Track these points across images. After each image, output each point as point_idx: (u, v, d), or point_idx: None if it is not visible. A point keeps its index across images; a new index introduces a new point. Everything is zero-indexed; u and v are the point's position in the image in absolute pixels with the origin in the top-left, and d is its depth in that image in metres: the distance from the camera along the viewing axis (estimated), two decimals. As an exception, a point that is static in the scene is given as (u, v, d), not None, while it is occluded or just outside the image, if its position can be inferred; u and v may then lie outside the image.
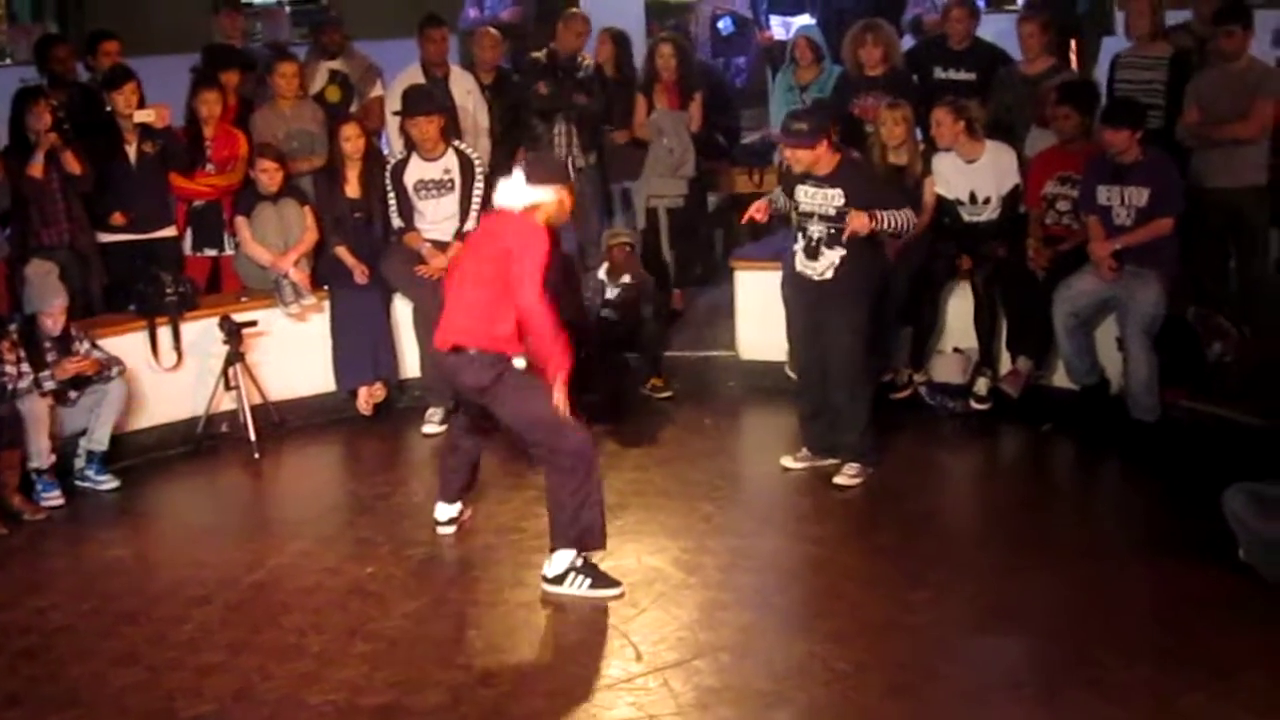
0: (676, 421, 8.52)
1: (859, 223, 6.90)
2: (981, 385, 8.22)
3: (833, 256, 7.05)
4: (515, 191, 6.22)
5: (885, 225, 6.96)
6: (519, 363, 6.14)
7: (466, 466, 6.83)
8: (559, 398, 6.10)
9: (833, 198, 7.01)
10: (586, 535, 6.14)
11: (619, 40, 9.99)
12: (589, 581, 6.11)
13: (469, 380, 6.23)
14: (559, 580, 6.12)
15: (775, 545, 6.82)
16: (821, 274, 7.11)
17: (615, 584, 6.14)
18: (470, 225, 8.56)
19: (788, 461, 7.57)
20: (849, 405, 7.25)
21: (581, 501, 6.09)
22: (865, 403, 7.31)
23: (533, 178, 6.22)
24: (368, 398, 8.66)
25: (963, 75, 9.11)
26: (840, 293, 7.08)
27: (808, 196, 7.11)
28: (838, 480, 7.27)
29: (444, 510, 6.87)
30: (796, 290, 7.33)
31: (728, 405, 8.82)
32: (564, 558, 6.12)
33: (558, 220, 6.41)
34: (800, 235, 7.21)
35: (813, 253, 7.12)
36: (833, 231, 7.03)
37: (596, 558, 6.21)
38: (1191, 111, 8.26)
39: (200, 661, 5.66)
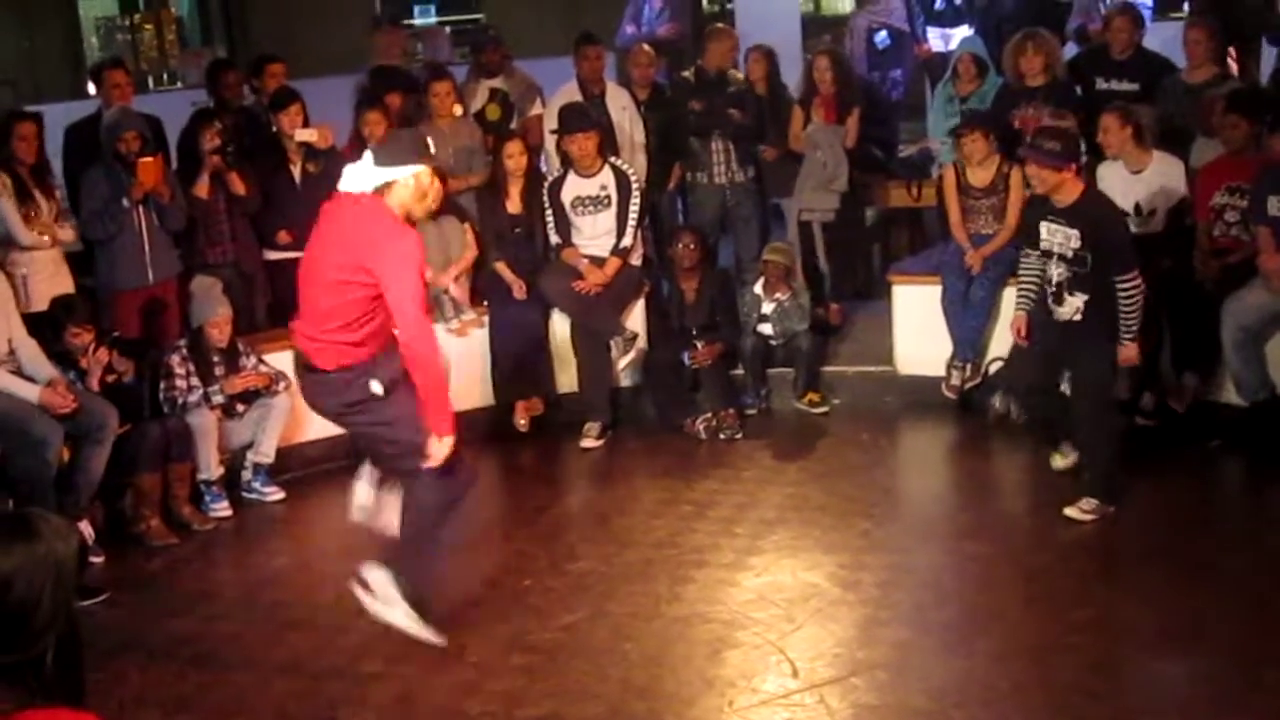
0: (833, 436, 8.48)
1: (1129, 358, 6.84)
2: (1148, 400, 8.04)
3: (1077, 301, 6.77)
4: (363, 174, 5.40)
5: (1134, 332, 6.76)
6: (375, 388, 5.45)
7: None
8: (436, 456, 5.41)
9: (1071, 239, 6.72)
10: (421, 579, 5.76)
11: (770, 56, 9.97)
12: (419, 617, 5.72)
13: (325, 402, 5.63)
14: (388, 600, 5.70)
15: (933, 562, 6.75)
16: (1069, 317, 6.84)
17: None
18: (627, 240, 8.63)
19: (1059, 462, 7.39)
20: (1092, 441, 7.00)
21: (431, 549, 5.77)
22: (1111, 440, 6.98)
23: (381, 158, 5.39)
24: (524, 412, 8.73)
25: (1125, 85, 8.92)
26: (1088, 333, 6.79)
27: (1049, 234, 6.83)
28: (1069, 512, 6.89)
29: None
30: (1042, 321, 7.07)
31: (885, 420, 8.73)
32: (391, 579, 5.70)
33: (417, 210, 5.47)
34: (1042, 275, 6.99)
35: (1057, 297, 6.86)
36: (1073, 275, 6.76)
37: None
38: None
39: (361, 670, 5.77)
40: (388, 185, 5.33)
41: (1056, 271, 6.83)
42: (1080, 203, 6.74)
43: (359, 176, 5.38)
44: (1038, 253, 6.96)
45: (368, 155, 5.42)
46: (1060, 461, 7.40)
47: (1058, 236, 6.79)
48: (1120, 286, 6.66)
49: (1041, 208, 6.92)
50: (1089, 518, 6.88)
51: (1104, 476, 6.95)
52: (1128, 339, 6.75)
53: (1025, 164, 7.07)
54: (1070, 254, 6.73)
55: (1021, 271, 7.21)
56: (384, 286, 5.25)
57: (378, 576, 5.68)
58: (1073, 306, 6.81)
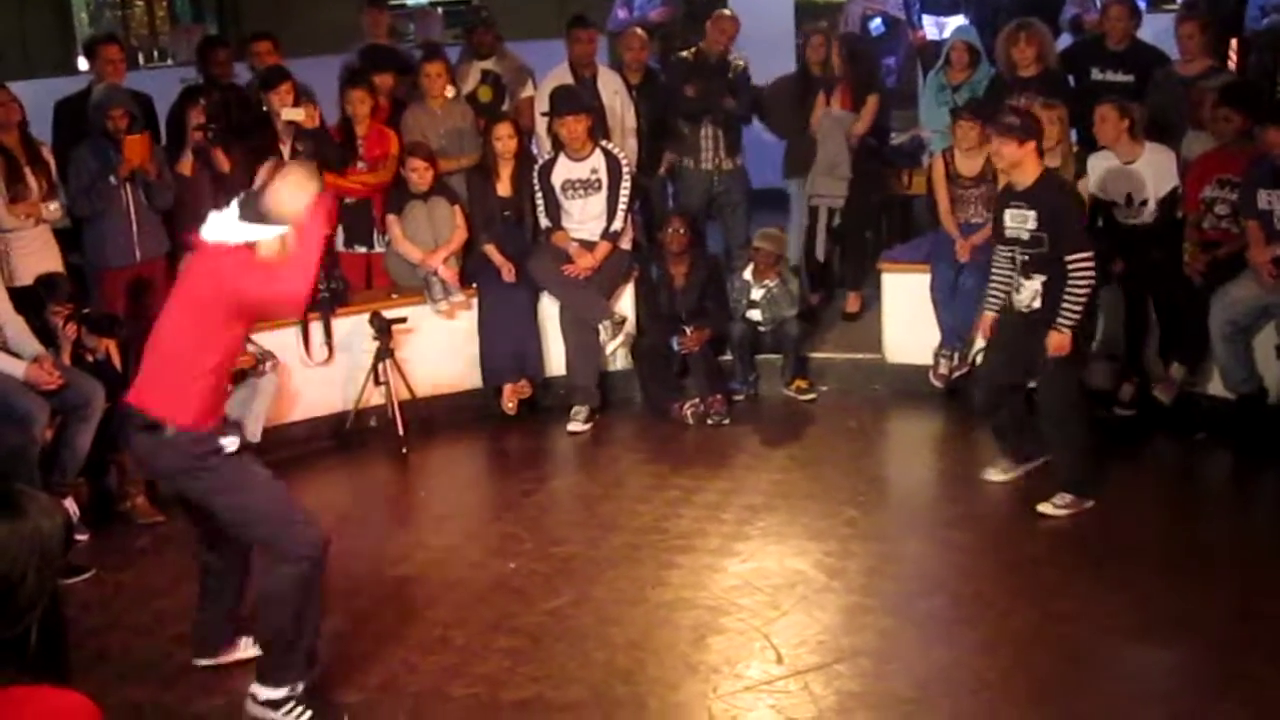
0: (821, 424, 8.48)
1: (1058, 345, 6.66)
2: (1126, 391, 8.04)
3: (1035, 285, 6.77)
4: (228, 227, 5.12)
5: (1074, 319, 6.64)
6: (230, 444, 5.16)
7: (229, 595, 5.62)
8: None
9: (1029, 219, 6.73)
10: (302, 666, 5.20)
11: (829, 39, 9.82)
12: (309, 714, 5.17)
13: (167, 464, 5.19)
14: (274, 705, 5.17)
15: (919, 551, 6.75)
16: (1029, 305, 6.81)
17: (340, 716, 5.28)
18: (617, 225, 8.63)
19: (992, 474, 7.31)
20: (1059, 435, 6.91)
21: (301, 628, 5.13)
22: (1079, 433, 6.91)
23: (249, 213, 5.11)
24: (513, 395, 8.72)
25: (1120, 77, 8.91)
26: (1050, 321, 6.70)
27: (1012, 220, 6.81)
28: (1042, 508, 6.86)
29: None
30: (1007, 319, 7.03)
31: (873, 408, 8.73)
32: (278, 692, 5.17)
33: (282, 253, 5.17)
34: (1010, 262, 6.96)
35: (1016, 284, 6.87)
36: (1027, 258, 6.77)
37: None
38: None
39: (348, 652, 5.75)
40: (256, 243, 5.11)
41: (1019, 256, 6.86)
42: (1038, 184, 6.76)
43: (225, 228, 5.12)
44: (1007, 248, 6.95)
45: (234, 207, 5.14)
46: (994, 474, 7.32)
47: (1017, 220, 6.81)
48: (1071, 266, 6.64)
49: (1006, 198, 6.93)
50: (1063, 513, 6.86)
51: (1075, 470, 6.93)
52: (1065, 325, 6.65)
53: (990, 140, 7.09)
54: (1028, 235, 6.76)
55: (995, 270, 7.15)
56: (246, 291, 5.03)
57: (269, 693, 5.18)
58: (1031, 291, 6.80)
